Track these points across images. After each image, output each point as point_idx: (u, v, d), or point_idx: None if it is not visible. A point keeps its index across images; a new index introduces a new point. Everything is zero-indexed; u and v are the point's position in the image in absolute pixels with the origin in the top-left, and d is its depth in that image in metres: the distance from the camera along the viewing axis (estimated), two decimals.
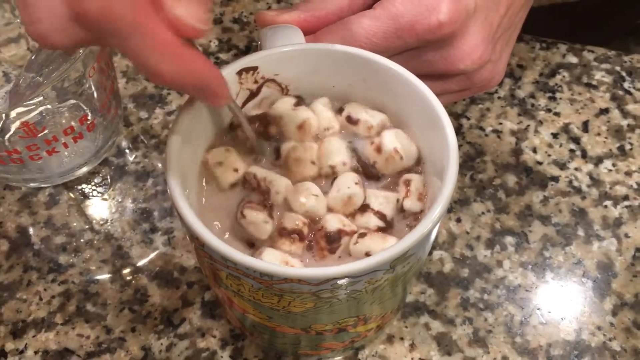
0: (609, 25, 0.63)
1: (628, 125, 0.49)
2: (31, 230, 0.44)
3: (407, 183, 0.33)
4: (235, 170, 0.33)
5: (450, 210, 0.44)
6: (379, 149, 0.33)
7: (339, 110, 0.35)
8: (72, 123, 0.42)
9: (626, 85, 0.51)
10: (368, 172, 0.33)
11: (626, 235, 0.43)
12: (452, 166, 0.30)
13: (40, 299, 0.41)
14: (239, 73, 0.33)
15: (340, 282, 0.27)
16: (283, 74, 0.34)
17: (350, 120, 0.34)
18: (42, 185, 0.45)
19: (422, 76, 0.33)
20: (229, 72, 0.33)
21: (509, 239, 0.43)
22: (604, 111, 0.49)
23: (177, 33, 0.24)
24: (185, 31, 0.24)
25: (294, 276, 0.26)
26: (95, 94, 0.42)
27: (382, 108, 0.35)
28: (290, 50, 0.34)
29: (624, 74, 0.51)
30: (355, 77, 0.34)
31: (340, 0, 0.38)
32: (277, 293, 0.28)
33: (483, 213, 0.44)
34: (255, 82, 0.34)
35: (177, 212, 0.29)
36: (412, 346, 0.39)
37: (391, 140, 0.33)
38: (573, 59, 0.52)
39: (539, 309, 0.41)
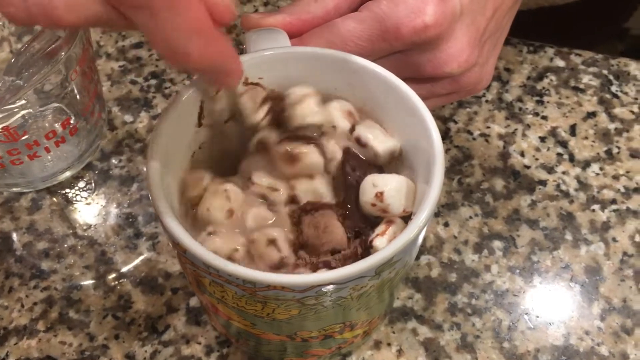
0: (596, 28, 0.63)
1: (615, 128, 0.49)
2: (13, 236, 0.43)
3: (390, 223, 0.31)
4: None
5: (437, 214, 0.44)
6: (383, 210, 0.31)
7: (351, 129, 0.33)
8: (55, 126, 0.41)
9: (613, 88, 0.51)
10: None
11: (614, 239, 0.43)
12: (438, 170, 0.29)
13: (22, 305, 0.41)
14: None
15: (325, 289, 0.27)
16: (267, 77, 0.34)
17: (359, 142, 0.33)
18: (25, 190, 0.45)
19: (408, 80, 0.33)
20: None
21: (497, 243, 0.43)
22: (592, 115, 0.49)
23: (210, 12, 0.22)
24: (219, 12, 0.22)
25: (277, 283, 0.26)
26: (78, 97, 0.42)
27: (366, 112, 0.34)
28: (274, 54, 0.33)
29: (611, 77, 0.51)
30: (341, 80, 0.34)
31: (326, 3, 0.37)
32: (261, 300, 0.28)
33: (471, 217, 0.44)
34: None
35: (158, 217, 0.28)
36: (400, 352, 0.39)
37: (400, 203, 0.31)
38: (560, 63, 0.52)
39: (527, 313, 0.40)
